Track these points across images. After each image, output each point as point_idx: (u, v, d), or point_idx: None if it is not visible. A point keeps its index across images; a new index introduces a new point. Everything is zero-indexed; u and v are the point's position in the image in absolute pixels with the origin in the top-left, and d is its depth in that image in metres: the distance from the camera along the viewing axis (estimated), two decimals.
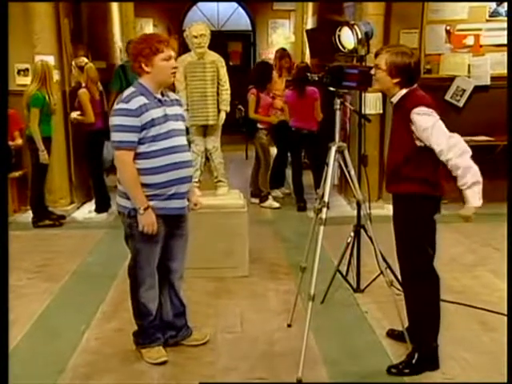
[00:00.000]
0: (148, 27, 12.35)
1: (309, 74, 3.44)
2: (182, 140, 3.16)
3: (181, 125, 3.18)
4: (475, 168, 2.95)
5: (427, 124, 2.96)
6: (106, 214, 6.40)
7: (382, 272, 3.67)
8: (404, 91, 3.06)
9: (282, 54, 7.33)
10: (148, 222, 3.03)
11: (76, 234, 5.83)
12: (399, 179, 3.12)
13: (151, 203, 3.06)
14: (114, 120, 3.02)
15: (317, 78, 3.39)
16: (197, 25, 4.52)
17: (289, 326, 3.77)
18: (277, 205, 6.75)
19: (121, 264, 4.40)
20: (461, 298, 4.07)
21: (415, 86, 3.10)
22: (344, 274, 4.29)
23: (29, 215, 6.11)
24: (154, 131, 3.01)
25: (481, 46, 6.51)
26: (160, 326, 3.37)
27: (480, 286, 4.41)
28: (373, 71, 3.15)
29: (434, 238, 3.20)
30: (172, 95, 3.24)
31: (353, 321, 3.88)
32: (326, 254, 4.86)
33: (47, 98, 5.72)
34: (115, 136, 3.02)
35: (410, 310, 3.30)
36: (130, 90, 3.08)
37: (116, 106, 3.04)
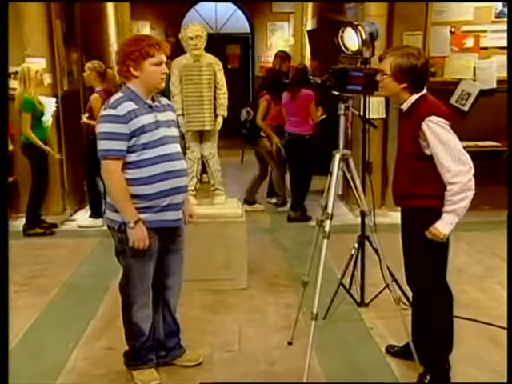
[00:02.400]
0: (145, 30, 12.16)
1: (311, 77, 3.26)
2: (175, 147, 2.95)
3: (174, 131, 2.98)
4: (467, 204, 2.79)
5: (439, 137, 2.76)
6: (101, 219, 6.06)
7: (387, 286, 3.48)
8: (415, 97, 2.86)
9: (284, 56, 7.10)
10: (138, 236, 2.83)
11: (68, 243, 5.62)
12: (410, 194, 2.92)
13: (143, 216, 2.86)
14: (100, 127, 2.81)
15: (320, 82, 3.19)
16: (192, 26, 4.32)
17: (289, 343, 3.56)
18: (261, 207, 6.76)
19: (114, 276, 4.14)
20: (469, 312, 3.86)
21: (425, 91, 2.89)
22: (347, 286, 4.10)
23: (20, 223, 5.91)
24: (145, 139, 2.81)
25: (486, 49, 6.33)
26: (153, 346, 3.16)
27: (488, 300, 4.21)
28: (378, 77, 2.95)
29: (447, 251, 3.00)
30: (164, 100, 3.04)
31: (357, 338, 3.68)
32: (328, 264, 4.66)
33: (36, 101, 5.53)
34: (101, 144, 2.81)
35: (421, 327, 3.12)
36: (118, 95, 2.88)
37: (102, 112, 2.83)
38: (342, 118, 3.20)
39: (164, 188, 2.86)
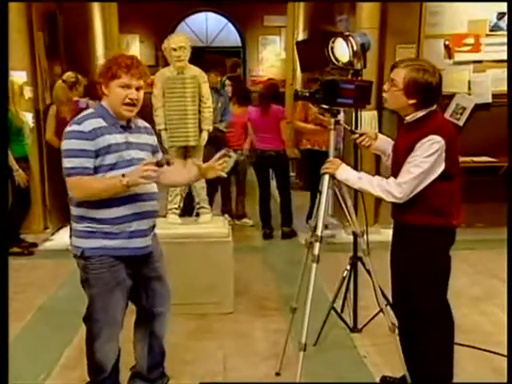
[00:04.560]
0: (134, 43, 12.05)
1: (298, 89, 3.07)
2: None
3: (148, 155, 2.75)
4: (362, 187, 2.82)
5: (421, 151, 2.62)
6: None
7: (381, 310, 3.27)
8: (420, 113, 2.67)
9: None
10: (138, 173, 2.51)
11: (48, 263, 5.37)
12: (407, 209, 2.74)
13: (105, 242, 2.63)
14: (65, 144, 2.60)
15: (307, 94, 2.99)
16: (176, 36, 4.14)
17: (277, 374, 3.33)
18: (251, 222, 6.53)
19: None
20: (470, 338, 3.64)
21: (434, 107, 2.70)
22: (339, 310, 3.88)
23: None
24: (111, 159, 2.60)
25: (481, 62, 6.18)
26: (116, 381, 2.92)
27: (489, 324, 4.01)
28: (385, 87, 2.75)
29: (448, 273, 2.82)
30: (141, 122, 2.83)
31: (350, 367, 3.46)
32: (319, 286, 4.44)
33: (14, 116, 5.32)
34: (66, 162, 2.58)
35: (418, 356, 2.90)
36: (88, 111, 2.69)
37: (67, 128, 2.62)
38: (332, 133, 3.00)
39: (129, 212, 2.65)
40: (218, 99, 5.73)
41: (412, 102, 2.66)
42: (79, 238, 2.68)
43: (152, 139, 2.86)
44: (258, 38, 12.59)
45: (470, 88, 6.18)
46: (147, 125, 2.90)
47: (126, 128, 2.70)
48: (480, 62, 6.19)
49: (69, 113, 5.54)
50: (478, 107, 6.17)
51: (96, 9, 8.78)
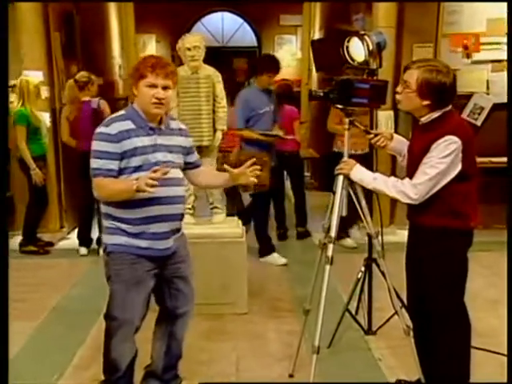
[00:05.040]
0: (151, 43, 12.08)
1: (313, 89, 3.03)
2: (172, 172, 2.70)
3: (178, 157, 2.78)
4: (377, 187, 2.80)
5: (437, 152, 2.58)
6: (85, 248, 5.68)
7: (396, 312, 3.22)
8: (435, 114, 2.63)
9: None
10: (144, 179, 2.49)
11: (62, 263, 5.40)
12: (423, 210, 2.70)
13: (127, 239, 2.68)
14: (93, 145, 2.68)
15: (322, 94, 2.95)
16: (190, 36, 4.14)
17: (290, 376, 3.31)
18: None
19: (106, 299, 3.94)
20: (486, 342, 3.58)
21: (450, 107, 2.66)
22: (354, 312, 3.84)
23: (14, 241, 5.71)
24: (136, 161, 2.64)
25: (500, 61, 6.09)
26: (130, 381, 2.92)
27: (505, 327, 3.93)
28: (399, 88, 2.71)
29: (465, 276, 2.78)
30: (174, 124, 2.84)
31: (364, 369, 3.42)
32: (333, 287, 4.41)
33: (31, 115, 5.35)
34: (92, 163, 2.67)
35: (434, 359, 2.86)
36: (119, 112, 2.75)
37: (96, 130, 2.69)
38: (347, 134, 2.96)
39: (149, 214, 2.67)
40: (270, 102, 5.31)
41: (426, 103, 2.62)
42: (105, 234, 2.78)
43: (186, 141, 2.86)
44: (274, 37, 12.54)
45: (488, 87, 6.10)
46: (182, 126, 2.90)
47: (156, 130, 2.71)
48: (499, 61, 6.11)
49: (75, 112, 5.57)
50: (497, 107, 6.08)
51: (112, 9, 8.84)
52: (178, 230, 2.85)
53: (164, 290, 2.89)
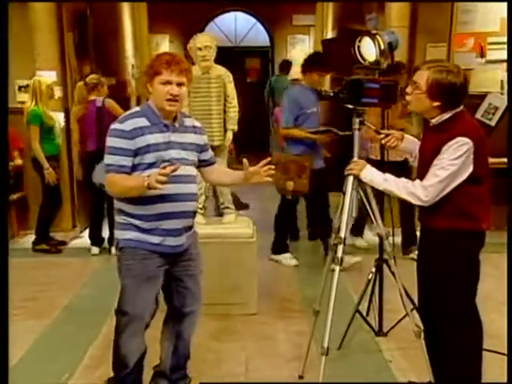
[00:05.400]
0: (164, 43, 12.10)
1: (323, 89, 3.01)
2: (186, 170, 2.72)
3: (192, 155, 2.79)
4: (389, 188, 2.76)
5: (448, 154, 2.56)
6: (96, 248, 5.72)
7: (407, 314, 3.20)
8: (446, 116, 2.61)
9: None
10: (154, 176, 2.48)
11: (74, 262, 5.43)
12: (434, 212, 2.67)
13: (138, 235, 2.70)
14: (108, 141, 2.70)
15: (332, 94, 2.94)
16: (201, 36, 4.13)
17: (300, 377, 3.29)
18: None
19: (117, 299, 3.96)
20: (498, 344, 3.55)
21: (461, 107, 2.63)
22: (365, 313, 3.81)
23: (28, 240, 5.76)
24: (149, 158, 2.65)
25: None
26: (138, 379, 2.93)
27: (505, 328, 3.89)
28: (408, 89, 2.69)
29: (477, 278, 2.76)
30: (189, 122, 2.85)
31: (375, 371, 3.40)
32: (344, 288, 4.40)
33: (45, 115, 5.39)
34: (107, 158, 2.69)
35: (445, 361, 2.83)
36: (134, 109, 2.77)
37: (111, 126, 2.71)
38: (357, 133, 2.94)
39: (161, 211, 2.68)
40: (317, 101, 5.04)
41: (436, 104, 2.59)
42: (117, 229, 2.79)
43: (200, 138, 2.86)
44: (287, 37, 12.49)
45: (502, 87, 6.04)
46: (197, 124, 2.90)
47: (170, 127, 2.71)
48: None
49: (81, 112, 5.59)
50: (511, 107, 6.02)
51: (126, 9, 8.87)
52: (191, 227, 2.85)
53: (172, 288, 2.89)
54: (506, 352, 3.45)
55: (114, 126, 2.69)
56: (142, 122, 2.67)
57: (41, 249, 5.64)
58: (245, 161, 2.78)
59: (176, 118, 2.75)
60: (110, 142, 2.67)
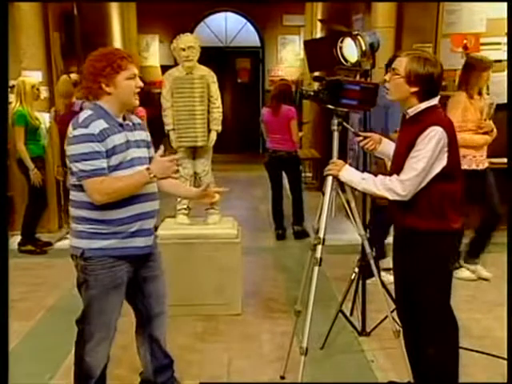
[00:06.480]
0: (154, 43, 12.09)
1: (303, 88, 3.01)
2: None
3: (144, 152, 2.72)
4: (367, 188, 2.76)
5: (422, 145, 2.57)
6: None
7: (388, 316, 3.20)
8: (423, 105, 2.62)
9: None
10: (160, 169, 2.58)
11: (61, 263, 5.33)
12: (408, 212, 2.68)
13: (107, 243, 2.59)
14: (77, 148, 2.50)
15: (312, 93, 2.94)
16: (184, 36, 4.10)
17: (282, 377, 3.30)
18: None
19: None
20: (481, 344, 3.57)
21: (436, 102, 2.65)
22: (348, 313, 3.83)
23: (13, 241, 5.72)
24: (115, 160, 2.55)
25: (500, 61, 6.04)
26: None
27: (502, 330, 3.90)
28: (387, 77, 2.72)
29: (450, 278, 2.78)
30: (134, 119, 2.78)
31: (356, 371, 3.40)
32: (329, 287, 4.41)
33: (30, 116, 5.37)
34: (83, 165, 2.49)
35: (423, 360, 2.84)
36: (87, 113, 2.58)
37: (74, 133, 2.53)
38: (336, 134, 2.94)
39: (132, 213, 2.62)
40: None
41: (414, 90, 2.60)
42: (79, 238, 2.63)
43: (145, 135, 2.80)
44: (277, 37, 12.52)
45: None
46: (140, 120, 2.85)
47: (124, 126, 2.65)
48: (499, 61, 6.06)
49: (65, 109, 5.58)
50: (497, 107, 6.03)
51: (114, 9, 8.84)
52: (156, 227, 2.82)
53: (136, 292, 2.82)
54: (487, 352, 3.50)
55: (80, 131, 2.50)
56: (102, 124, 2.55)
57: (27, 250, 5.62)
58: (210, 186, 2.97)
59: (125, 116, 2.68)
60: (83, 148, 2.49)
